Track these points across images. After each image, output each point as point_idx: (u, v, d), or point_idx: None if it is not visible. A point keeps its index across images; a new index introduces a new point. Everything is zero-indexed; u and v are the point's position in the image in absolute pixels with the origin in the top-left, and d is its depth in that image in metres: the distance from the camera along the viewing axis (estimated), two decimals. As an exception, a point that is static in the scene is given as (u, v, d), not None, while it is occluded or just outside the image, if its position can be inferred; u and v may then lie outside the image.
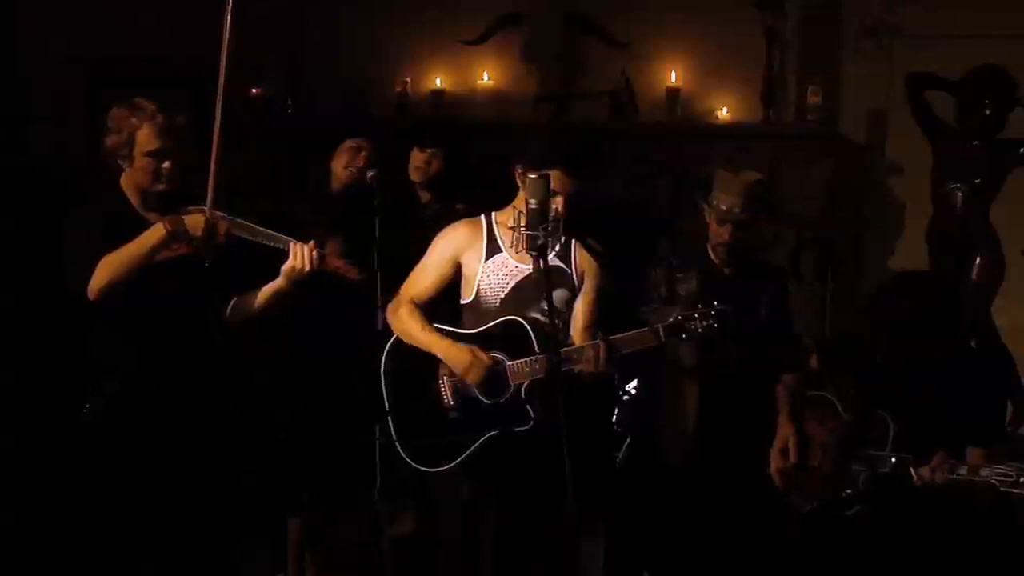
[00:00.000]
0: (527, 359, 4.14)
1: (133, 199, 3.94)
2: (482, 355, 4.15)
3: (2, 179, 6.00)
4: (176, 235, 3.82)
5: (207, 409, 4.00)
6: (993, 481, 3.92)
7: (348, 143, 4.97)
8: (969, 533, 4.06)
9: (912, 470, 4.05)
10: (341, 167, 4.96)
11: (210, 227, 3.85)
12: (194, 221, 3.85)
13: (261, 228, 3.95)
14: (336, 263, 4.04)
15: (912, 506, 4.09)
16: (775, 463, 4.37)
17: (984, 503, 4.01)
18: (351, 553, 4.94)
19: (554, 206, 3.97)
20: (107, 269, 3.78)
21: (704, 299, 4.36)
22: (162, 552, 3.94)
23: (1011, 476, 3.90)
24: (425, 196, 5.10)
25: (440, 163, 5.08)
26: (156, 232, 3.82)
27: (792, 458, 4.35)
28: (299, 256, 3.94)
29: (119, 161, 3.90)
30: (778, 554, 4.39)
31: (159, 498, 3.88)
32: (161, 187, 3.89)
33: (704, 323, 4.14)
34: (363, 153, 4.94)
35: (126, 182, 3.94)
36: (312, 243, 3.96)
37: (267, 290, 4.04)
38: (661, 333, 4.16)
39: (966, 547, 4.08)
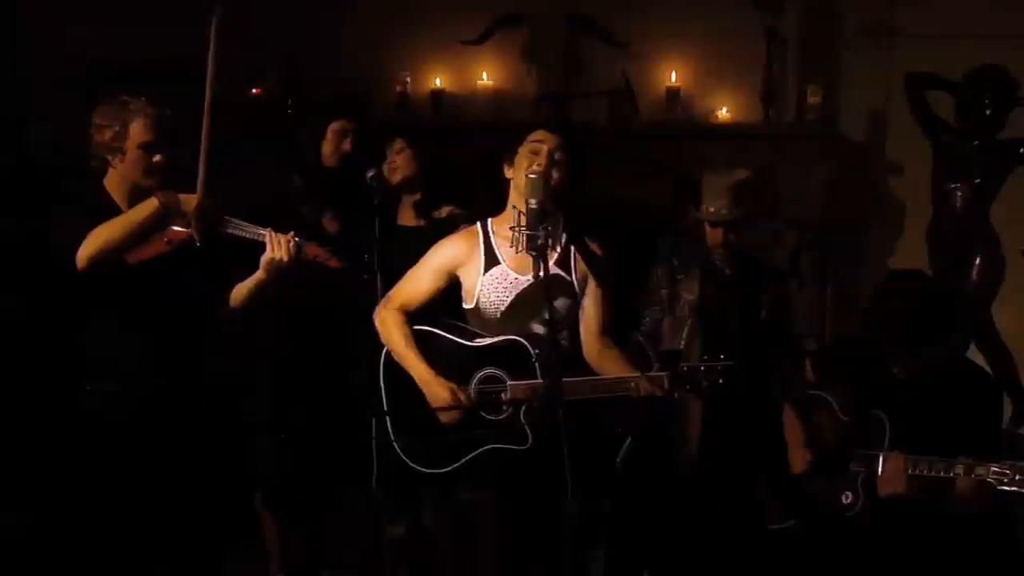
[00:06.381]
0: (527, 382, 4.03)
1: (119, 200, 3.89)
2: (461, 396, 4.04)
3: (2, 179, 6.00)
4: (170, 208, 3.78)
5: (204, 404, 3.97)
6: (989, 480, 3.91)
7: (333, 125, 4.92)
8: (965, 533, 4.05)
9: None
10: (330, 150, 4.92)
11: (203, 203, 3.80)
12: (188, 198, 3.81)
13: (239, 221, 3.88)
14: (315, 251, 3.96)
15: (911, 506, 4.08)
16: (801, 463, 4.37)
17: (980, 503, 3.99)
18: (350, 550, 4.95)
19: (553, 173, 3.98)
20: (97, 237, 3.73)
21: (706, 301, 4.37)
22: (164, 550, 3.91)
23: (1008, 475, 3.89)
24: (408, 199, 5.06)
25: (405, 162, 5.03)
26: (150, 204, 3.78)
27: (808, 456, 4.35)
28: (276, 246, 3.87)
29: (109, 156, 3.86)
30: (778, 554, 4.39)
31: (158, 496, 3.85)
32: (150, 182, 3.84)
33: (709, 377, 4.05)
34: (348, 137, 4.91)
35: (111, 183, 3.90)
36: (291, 233, 3.88)
37: (248, 283, 3.96)
38: (665, 381, 4.06)
39: (962, 547, 4.07)
